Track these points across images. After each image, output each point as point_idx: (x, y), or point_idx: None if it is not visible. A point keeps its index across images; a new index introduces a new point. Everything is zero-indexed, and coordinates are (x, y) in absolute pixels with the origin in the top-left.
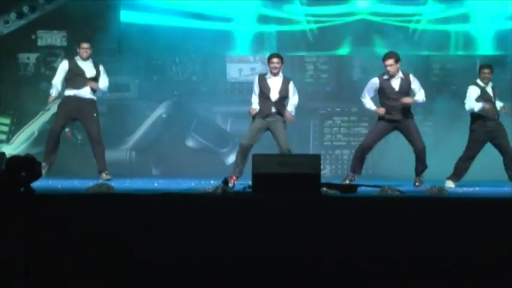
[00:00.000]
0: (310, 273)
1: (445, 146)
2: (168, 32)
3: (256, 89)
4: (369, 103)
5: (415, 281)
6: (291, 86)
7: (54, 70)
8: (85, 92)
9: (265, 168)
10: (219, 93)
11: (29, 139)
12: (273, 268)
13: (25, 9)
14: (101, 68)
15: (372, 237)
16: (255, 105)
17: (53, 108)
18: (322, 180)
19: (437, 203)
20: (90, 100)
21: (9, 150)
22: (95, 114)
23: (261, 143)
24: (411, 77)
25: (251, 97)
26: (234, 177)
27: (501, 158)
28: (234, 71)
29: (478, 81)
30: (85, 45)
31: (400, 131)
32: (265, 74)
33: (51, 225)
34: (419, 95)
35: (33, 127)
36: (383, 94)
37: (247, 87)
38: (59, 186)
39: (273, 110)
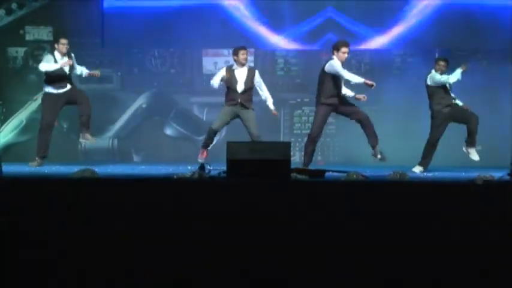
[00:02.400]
0: (281, 253)
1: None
2: (148, 26)
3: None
4: (355, 77)
5: (374, 262)
6: (257, 76)
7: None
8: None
9: (238, 155)
10: (196, 85)
11: (17, 128)
12: (246, 248)
13: (13, 6)
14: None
15: (337, 218)
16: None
17: (40, 99)
18: (292, 166)
19: (398, 187)
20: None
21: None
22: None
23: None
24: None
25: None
26: (205, 152)
27: (459, 146)
28: (210, 64)
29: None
30: (63, 40)
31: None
32: (232, 65)
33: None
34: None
35: (21, 116)
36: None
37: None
38: (45, 171)
39: (240, 100)
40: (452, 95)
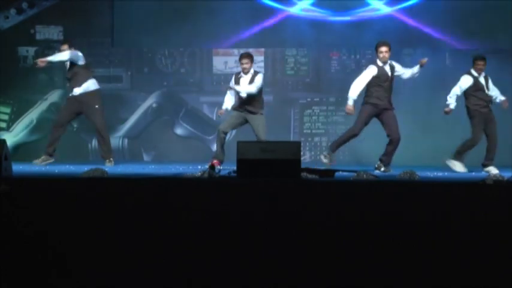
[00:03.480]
0: (290, 251)
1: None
2: (158, 26)
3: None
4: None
5: (385, 261)
6: (256, 78)
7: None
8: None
9: (248, 154)
10: (206, 85)
11: (27, 127)
12: (256, 246)
13: (24, 5)
14: None
15: (347, 218)
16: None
17: (51, 98)
18: (302, 166)
19: (408, 187)
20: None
21: (9, 137)
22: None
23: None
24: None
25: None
26: (216, 161)
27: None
28: (220, 64)
29: (472, 71)
30: (64, 47)
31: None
32: (239, 72)
33: (46, 209)
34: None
35: (31, 116)
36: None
37: None
38: (56, 171)
39: (245, 106)
40: (493, 93)
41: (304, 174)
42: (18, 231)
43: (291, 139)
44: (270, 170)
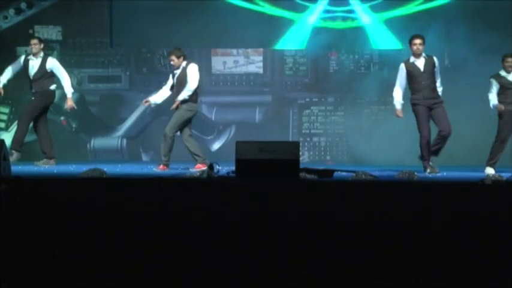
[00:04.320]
0: (290, 251)
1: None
2: (156, 26)
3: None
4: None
5: (385, 261)
6: (188, 70)
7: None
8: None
9: (247, 155)
10: (205, 85)
11: None
12: (255, 246)
13: (23, 5)
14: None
15: (346, 218)
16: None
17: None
18: (301, 166)
19: (406, 187)
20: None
21: (8, 137)
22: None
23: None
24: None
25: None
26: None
27: (468, 146)
28: (219, 64)
29: (501, 71)
30: (33, 41)
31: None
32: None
33: (44, 209)
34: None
35: None
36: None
37: (231, 79)
38: (55, 171)
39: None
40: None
41: (302, 174)
42: (17, 231)
43: (290, 139)
44: (268, 170)
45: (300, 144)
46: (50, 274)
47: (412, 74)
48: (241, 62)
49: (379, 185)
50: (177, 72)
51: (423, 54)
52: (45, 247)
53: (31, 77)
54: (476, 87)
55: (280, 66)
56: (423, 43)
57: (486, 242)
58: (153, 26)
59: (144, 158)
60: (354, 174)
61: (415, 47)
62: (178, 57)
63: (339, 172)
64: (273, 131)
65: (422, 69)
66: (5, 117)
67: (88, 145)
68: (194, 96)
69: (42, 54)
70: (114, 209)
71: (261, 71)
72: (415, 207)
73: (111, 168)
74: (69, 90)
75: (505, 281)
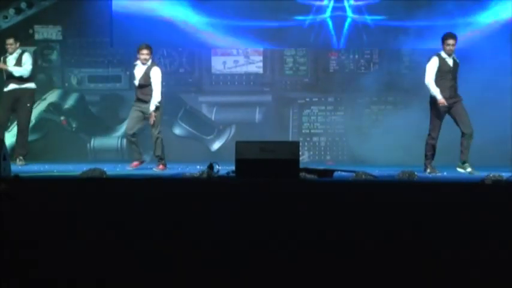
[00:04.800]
0: (289, 251)
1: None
2: (156, 26)
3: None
4: (433, 87)
5: (385, 262)
6: (152, 74)
7: (50, 62)
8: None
9: (247, 154)
10: (204, 84)
11: None
12: (255, 245)
13: (23, 5)
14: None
15: (345, 218)
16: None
17: (49, 98)
18: (301, 165)
19: (407, 187)
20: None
21: (8, 137)
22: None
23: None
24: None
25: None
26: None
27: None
28: (219, 64)
29: (442, 52)
30: (9, 41)
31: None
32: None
33: (44, 209)
34: None
35: None
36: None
37: (231, 79)
38: (55, 171)
39: (139, 97)
40: None
41: (302, 174)
42: (16, 231)
43: (290, 139)
44: (268, 170)
45: (300, 144)
46: (49, 274)
47: (441, 69)
48: (241, 61)
49: (379, 185)
50: (142, 69)
51: (453, 55)
52: (45, 247)
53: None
54: (477, 82)
55: (280, 65)
56: (455, 43)
57: (486, 242)
58: (153, 25)
59: (144, 157)
60: (354, 174)
61: (448, 47)
62: (151, 53)
63: (339, 172)
64: (273, 130)
65: (451, 67)
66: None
67: (88, 145)
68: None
69: (19, 51)
70: (114, 208)
71: (261, 70)
72: (416, 207)
73: (111, 168)
74: (12, 69)
75: (505, 280)
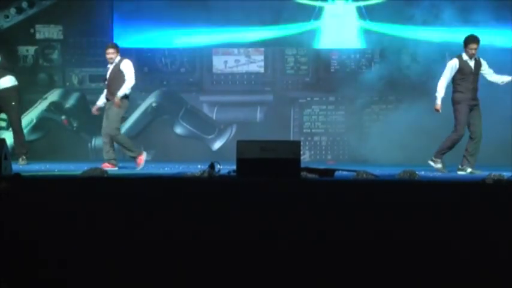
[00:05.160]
0: (289, 251)
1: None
2: (158, 26)
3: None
4: (440, 89)
5: (385, 261)
6: (122, 66)
7: (51, 62)
8: None
9: (248, 154)
10: (205, 84)
11: (27, 126)
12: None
13: (24, 4)
14: None
15: (346, 217)
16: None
17: (50, 97)
18: (302, 165)
19: (408, 186)
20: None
21: (10, 136)
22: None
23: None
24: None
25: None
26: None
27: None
28: (220, 63)
29: (463, 54)
30: None
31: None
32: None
33: (45, 208)
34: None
35: (31, 115)
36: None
37: (232, 78)
38: (56, 170)
39: (108, 97)
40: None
41: (303, 174)
42: (17, 230)
43: (291, 138)
44: (269, 169)
45: (301, 143)
46: (49, 273)
47: (463, 72)
48: (242, 61)
49: (380, 185)
50: (111, 67)
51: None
52: (45, 246)
53: None
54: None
55: (282, 65)
56: (478, 47)
57: (487, 242)
58: (154, 24)
59: (145, 157)
60: (355, 174)
61: (470, 51)
62: (116, 52)
63: (340, 171)
64: (274, 130)
65: (473, 69)
66: (5, 116)
67: (89, 144)
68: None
69: None
70: (114, 208)
71: (262, 70)
72: (416, 207)
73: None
74: None
75: (505, 280)
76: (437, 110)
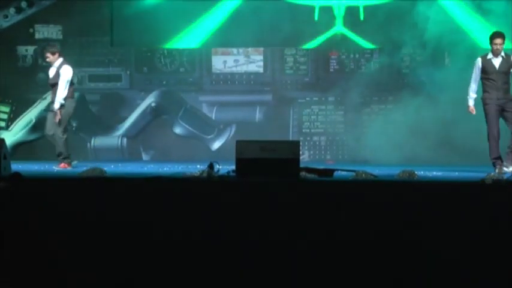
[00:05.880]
0: (287, 250)
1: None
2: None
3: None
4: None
5: (384, 261)
6: (61, 71)
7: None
8: None
9: (247, 154)
10: (205, 84)
11: (27, 126)
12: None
13: (23, 4)
14: None
15: (346, 217)
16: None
17: (50, 97)
18: (301, 165)
19: (407, 186)
20: None
21: (9, 136)
22: None
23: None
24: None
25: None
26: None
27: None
28: (219, 63)
29: (489, 53)
30: None
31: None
32: None
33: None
34: None
35: (30, 115)
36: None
37: (231, 78)
38: (55, 170)
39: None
40: None
41: (303, 174)
42: (16, 230)
43: (290, 138)
44: (269, 169)
45: (300, 143)
46: (49, 273)
47: (486, 70)
48: (241, 61)
49: (379, 185)
50: (54, 69)
51: (502, 53)
52: (45, 246)
53: None
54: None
55: (281, 65)
56: (503, 42)
57: (487, 242)
58: (154, 25)
59: (144, 157)
60: (354, 174)
61: (495, 47)
62: (53, 54)
63: (339, 171)
64: (273, 130)
65: (497, 67)
66: (5, 116)
67: (88, 144)
68: (70, 93)
69: None
70: (113, 207)
71: (261, 70)
72: (416, 207)
73: (111, 168)
74: None
75: (505, 280)
76: (470, 112)
